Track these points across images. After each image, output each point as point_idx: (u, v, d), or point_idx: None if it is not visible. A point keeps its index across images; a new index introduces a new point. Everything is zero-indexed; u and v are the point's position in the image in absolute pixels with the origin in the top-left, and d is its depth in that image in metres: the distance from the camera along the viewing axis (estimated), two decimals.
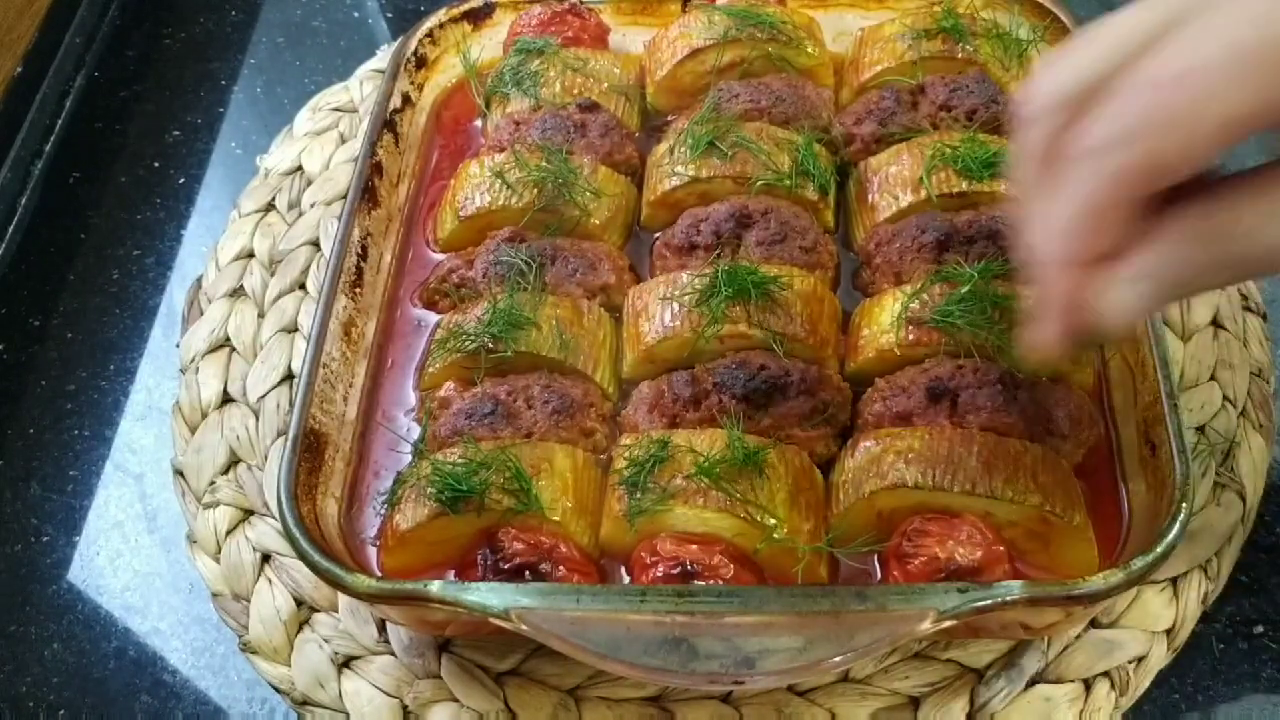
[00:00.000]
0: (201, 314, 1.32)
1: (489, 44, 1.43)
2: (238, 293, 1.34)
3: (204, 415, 1.23)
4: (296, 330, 1.30)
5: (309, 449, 1.01)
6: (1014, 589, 0.85)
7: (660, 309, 1.10)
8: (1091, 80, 0.69)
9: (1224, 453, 1.13)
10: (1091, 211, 0.69)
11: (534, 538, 0.96)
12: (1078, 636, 1.03)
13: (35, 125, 1.58)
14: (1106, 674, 1.01)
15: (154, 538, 1.19)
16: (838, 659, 0.86)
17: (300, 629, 1.08)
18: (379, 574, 0.99)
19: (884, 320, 1.08)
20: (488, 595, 0.87)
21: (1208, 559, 1.06)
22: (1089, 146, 0.68)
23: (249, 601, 1.10)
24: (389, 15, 1.74)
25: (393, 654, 1.05)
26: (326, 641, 1.07)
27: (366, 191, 1.21)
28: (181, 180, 1.53)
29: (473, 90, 1.39)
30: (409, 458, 1.08)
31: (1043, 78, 0.72)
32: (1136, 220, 0.69)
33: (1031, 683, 1.01)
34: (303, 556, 0.92)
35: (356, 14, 1.74)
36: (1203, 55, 0.63)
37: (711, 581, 0.94)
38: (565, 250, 1.16)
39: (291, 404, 1.07)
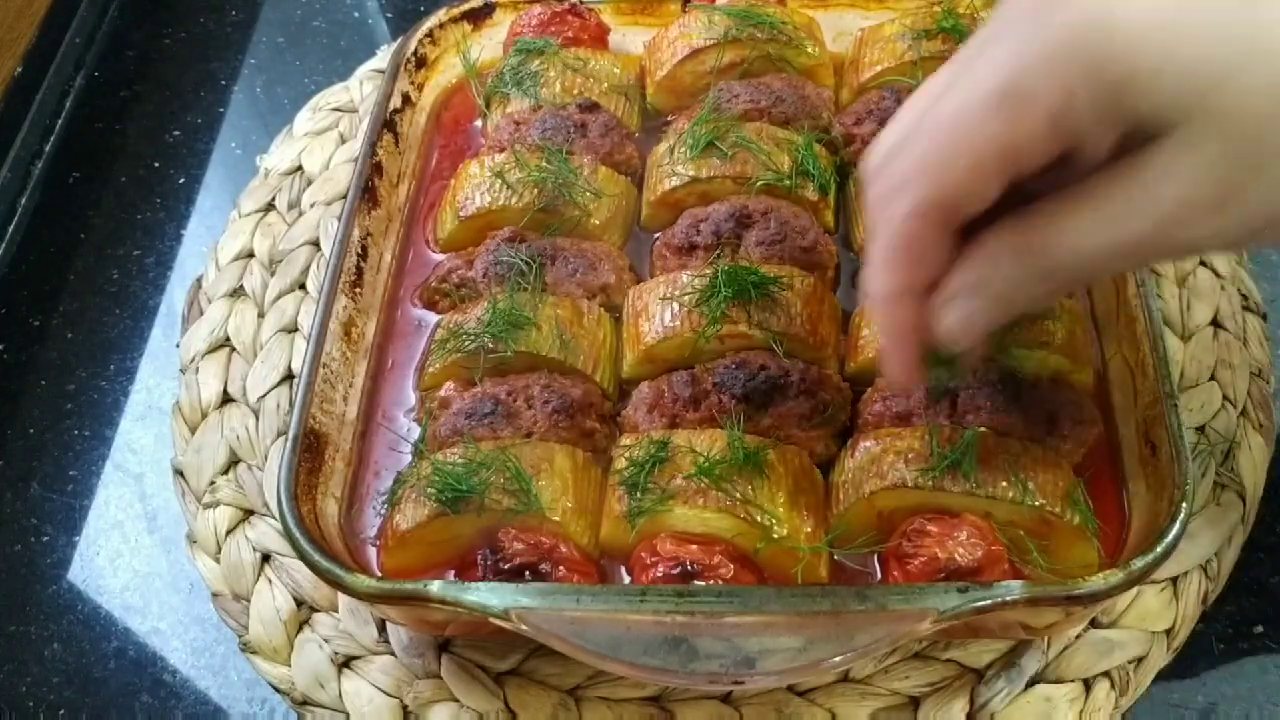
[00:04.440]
0: (201, 314, 1.32)
1: (489, 44, 1.43)
2: (238, 293, 1.34)
3: (204, 415, 1.23)
4: (296, 330, 1.30)
5: (309, 449, 1.01)
6: (1014, 589, 0.85)
7: (660, 309, 1.10)
8: (904, 138, 0.78)
9: (1224, 453, 1.13)
10: (898, 245, 0.77)
11: (534, 538, 0.96)
12: (1078, 636, 1.03)
13: (35, 125, 1.58)
14: (1106, 674, 1.01)
15: (154, 538, 1.19)
16: (838, 659, 0.85)
17: (300, 629, 1.08)
18: (379, 574, 1.00)
19: None
20: (488, 595, 0.87)
21: (1208, 559, 1.06)
22: (885, 191, 0.77)
23: (249, 601, 1.10)
24: (389, 15, 1.74)
25: (393, 654, 1.05)
26: (326, 641, 1.07)
27: (366, 191, 1.21)
28: (181, 180, 1.53)
29: (473, 90, 1.39)
30: (409, 458, 1.08)
31: (875, 145, 0.81)
32: (955, 247, 0.77)
33: (1031, 683, 1.01)
34: (303, 556, 0.92)
35: (356, 14, 1.74)
36: (961, 101, 0.72)
37: (711, 581, 0.94)
38: (565, 250, 1.16)
39: (291, 404, 1.07)
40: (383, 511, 1.04)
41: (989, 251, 0.77)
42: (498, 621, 0.86)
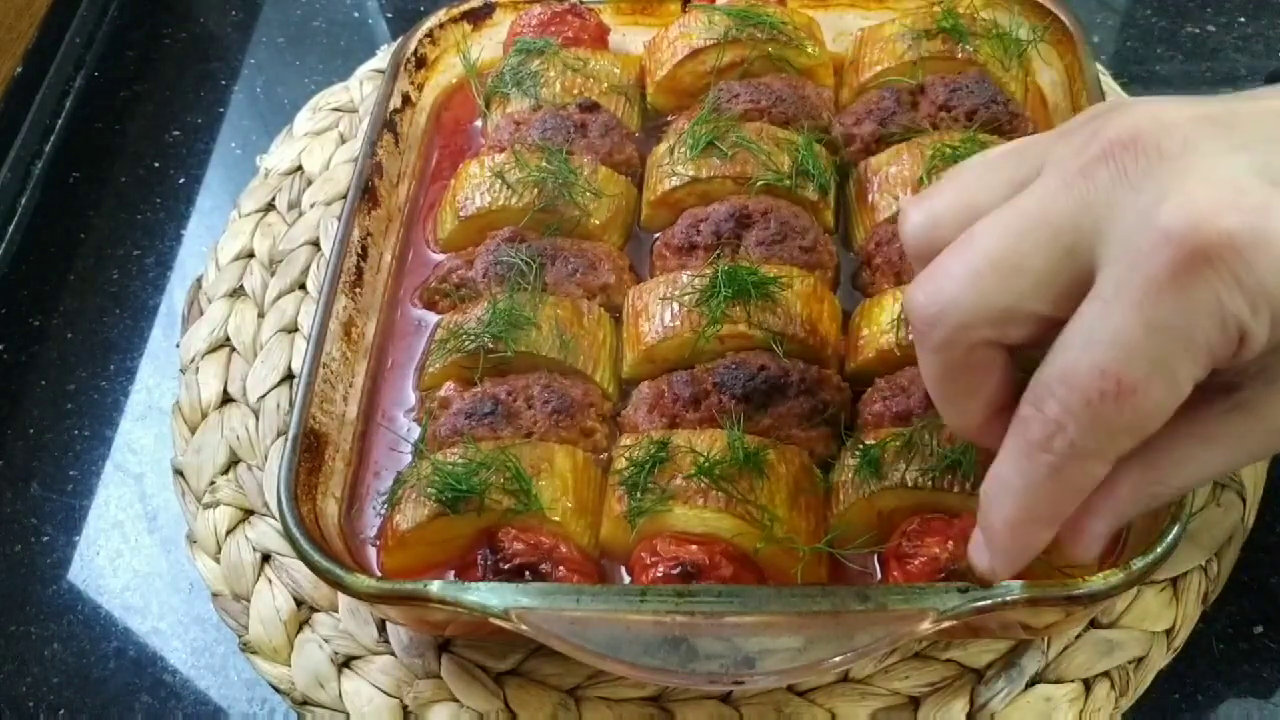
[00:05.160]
0: (201, 314, 1.32)
1: (489, 44, 1.43)
2: (238, 293, 1.34)
3: (204, 415, 1.23)
4: (296, 330, 1.30)
5: (309, 449, 1.01)
6: (1014, 589, 0.85)
7: (660, 309, 1.10)
8: (987, 316, 0.73)
9: None
10: (1065, 501, 0.74)
11: (534, 538, 0.96)
12: (1078, 636, 1.03)
13: (35, 125, 1.58)
14: (1106, 674, 1.01)
15: (154, 538, 1.19)
16: (838, 659, 0.85)
17: (300, 629, 1.08)
18: (379, 574, 1.00)
19: (884, 320, 1.08)
20: (488, 595, 0.87)
21: (1208, 559, 1.06)
22: (1055, 454, 0.72)
23: (249, 601, 1.10)
24: (389, 15, 1.74)
25: (393, 654, 1.05)
26: (326, 641, 1.07)
27: (366, 191, 1.21)
28: (181, 180, 1.53)
29: (473, 90, 1.39)
30: (409, 458, 1.08)
31: (932, 293, 0.74)
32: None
33: (1031, 683, 1.01)
34: (303, 556, 0.92)
35: (356, 14, 1.74)
36: (1134, 362, 0.66)
37: (711, 581, 0.94)
38: (565, 250, 1.16)
39: (291, 404, 1.07)
40: (383, 511, 1.04)
41: (1123, 501, 0.76)
42: (498, 621, 0.86)
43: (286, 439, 1.00)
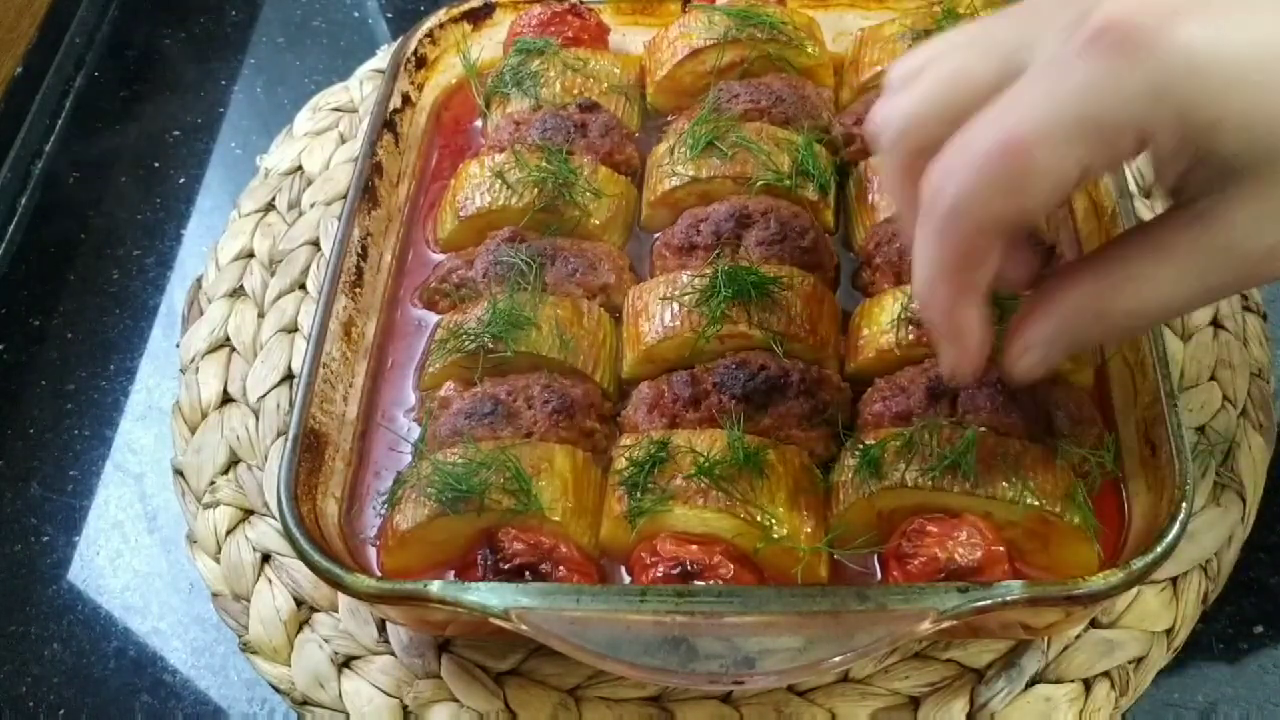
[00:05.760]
0: (201, 314, 1.32)
1: (489, 44, 1.43)
2: (238, 293, 1.34)
3: (204, 415, 1.23)
4: (296, 330, 1.30)
5: (309, 449, 1.01)
6: (1014, 589, 0.85)
7: (660, 309, 1.10)
8: (933, 118, 0.77)
9: (1224, 453, 1.13)
10: (964, 259, 0.77)
11: (534, 538, 0.96)
12: (1078, 636, 1.03)
13: (35, 125, 1.58)
14: (1106, 674, 1.01)
15: (154, 538, 1.19)
16: (838, 659, 0.86)
17: (300, 629, 1.08)
18: (379, 574, 1.00)
19: (884, 320, 1.08)
20: (488, 595, 0.87)
21: (1208, 559, 1.06)
22: (937, 208, 0.75)
23: (249, 601, 1.10)
24: (389, 15, 1.74)
25: (393, 654, 1.05)
26: (326, 641, 1.07)
27: (366, 191, 1.21)
28: (181, 180, 1.53)
29: (473, 90, 1.39)
30: (409, 458, 1.08)
31: (891, 105, 0.81)
32: (1006, 253, 0.79)
33: (1031, 683, 1.01)
34: (303, 556, 0.92)
35: (356, 14, 1.74)
36: (1037, 123, 0.70)
37: (711, 581, 0.94)
38: (565, 250, 1.16)
39: (291, 404, 1.07)
40: (383, 511, 1.04)
41: (1069, 308, 0.79)
42: (498, 621, 0.86)
43: (286, 439, 1.00)
